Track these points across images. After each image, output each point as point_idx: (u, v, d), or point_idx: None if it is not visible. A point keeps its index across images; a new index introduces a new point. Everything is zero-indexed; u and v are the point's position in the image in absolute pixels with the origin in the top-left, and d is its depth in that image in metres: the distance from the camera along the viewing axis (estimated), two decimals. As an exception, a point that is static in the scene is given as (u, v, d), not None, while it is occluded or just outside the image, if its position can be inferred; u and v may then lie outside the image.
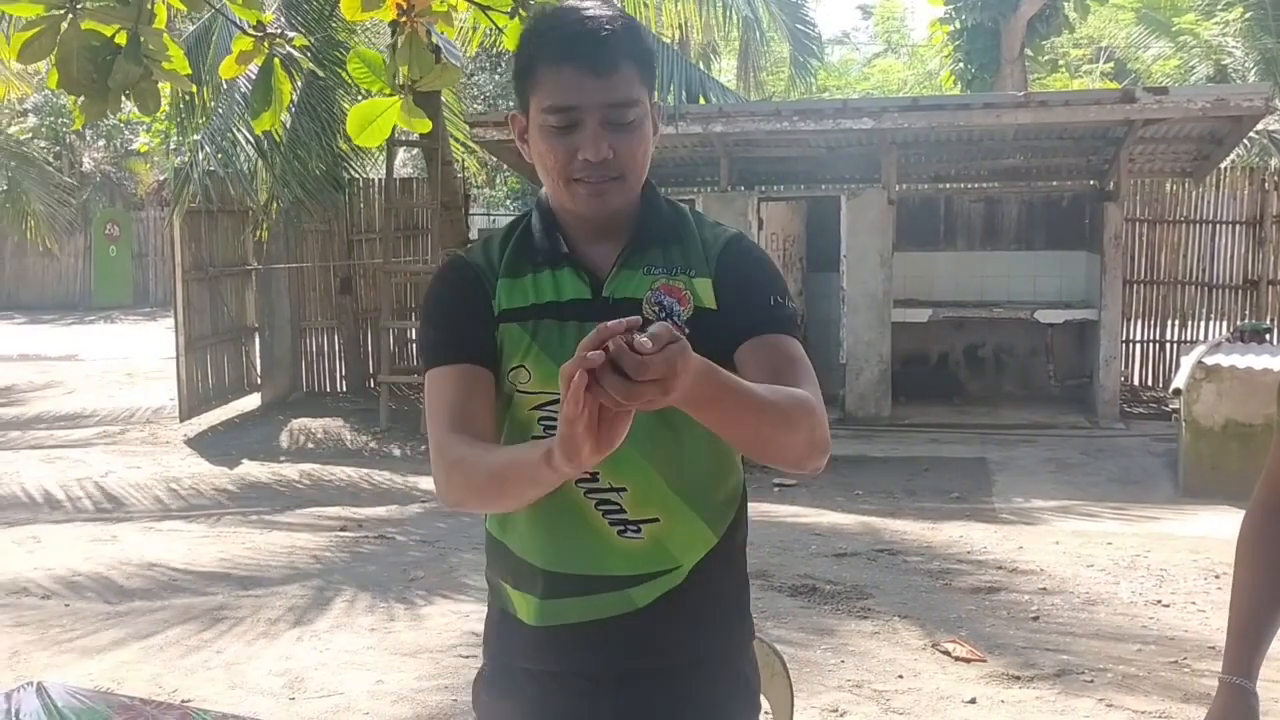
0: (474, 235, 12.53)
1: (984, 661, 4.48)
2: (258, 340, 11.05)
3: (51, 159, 21.11)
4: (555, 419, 1.62)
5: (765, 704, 2.12)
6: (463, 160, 12.27)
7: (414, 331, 11.45)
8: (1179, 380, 7.29)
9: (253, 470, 8.41)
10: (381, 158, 11.21)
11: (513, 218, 1.83)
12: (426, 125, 3.35)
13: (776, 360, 1.64)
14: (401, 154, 19.82)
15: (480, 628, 4.96)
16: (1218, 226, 10.59)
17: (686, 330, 1.62)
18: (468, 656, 4.56)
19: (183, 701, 4.19)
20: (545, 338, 1.67)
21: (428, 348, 1.72)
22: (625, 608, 1.66)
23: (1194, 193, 10.69)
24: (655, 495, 1.66)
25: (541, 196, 1.75)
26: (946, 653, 4.57)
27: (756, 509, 6.92)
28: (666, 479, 1.67)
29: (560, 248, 1.71)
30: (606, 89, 1.61)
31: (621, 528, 1.66)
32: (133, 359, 14.57)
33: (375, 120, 3.14)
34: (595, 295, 1.68)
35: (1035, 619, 4.97)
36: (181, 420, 9.86)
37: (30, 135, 21.81)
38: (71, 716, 1.75)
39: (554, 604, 1.68)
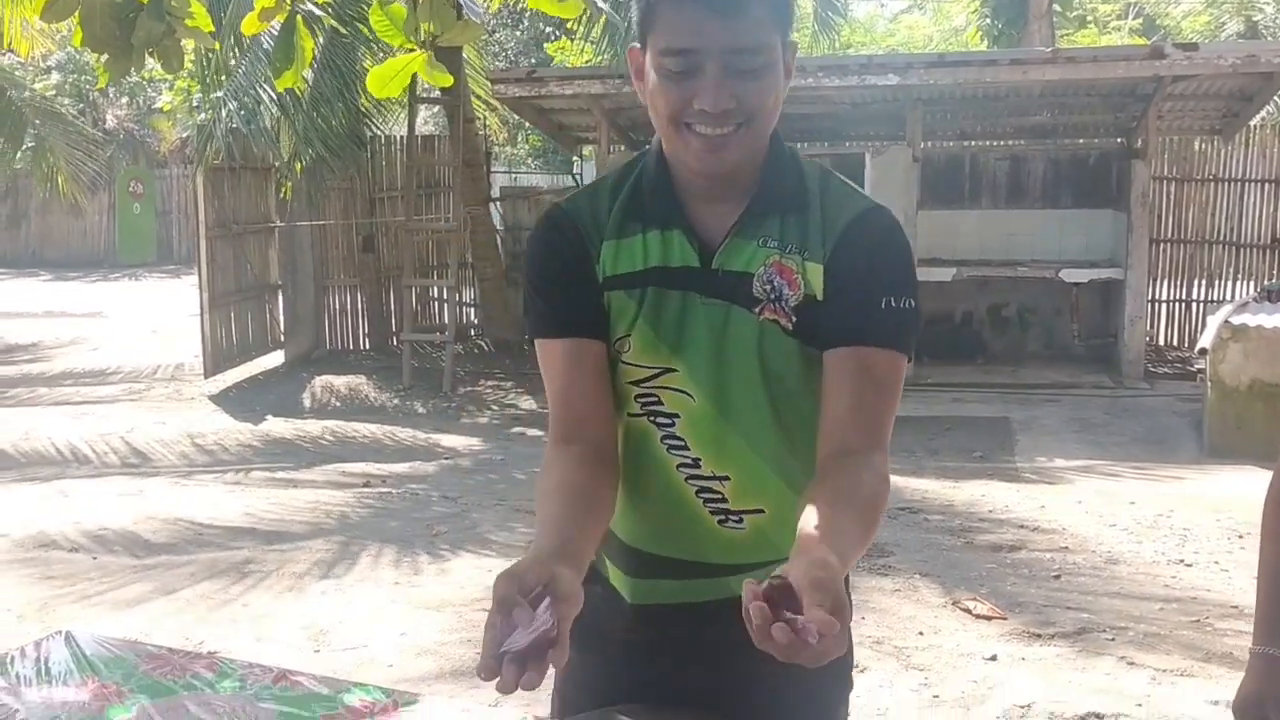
0: (495, 193, 12.53)
1: (1004, 619, 4.49)
2: (281, 298, 11.09)
3: (75, 116, 21.13)
4: (653, 397, 1.58)
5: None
6: (484, 118, 12.23)
7: (436, 290, 11.48)
8: (1205, 340, 7.23)
9: (277, 426, 8.47)
10: (403, 115, 11.19)
11: (624, 163, 1.64)
12: (448, 79, 3.34)
13: (864, 386, 1.49)
14: (424, 112, 19.79)
15: (503, 582, 4.86)
16: (1246, 185, 10.48)
17: (793, 319, 1.52)
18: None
19: (210, 653, 4.24)
20: (650, 307, 1.55)
21: (533, 316, 1.62)
22: (722, 594, 1.58)
23: (1223, 151, 10.57)
24: (761, 486, 1.58)
25: (655, 145, 1.58)
26: (967, 610, 4.58)
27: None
28: (776, 470, 1.57)
29: (672, 208, 1.56)
30: (732, 32, 1.43)
31: (722, 517, 1.58)
32: (157, 316, 14.66)
33: (396, 76, 3.14)
34: (705, 264, 1.54)
35: (1056, 577, 4.97)
36: (206, 377, 9.93)
37: (54, 93, 21.85)
38: (100, 665, 1.78)
39: (648, 584, 1.63)
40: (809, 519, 1.34)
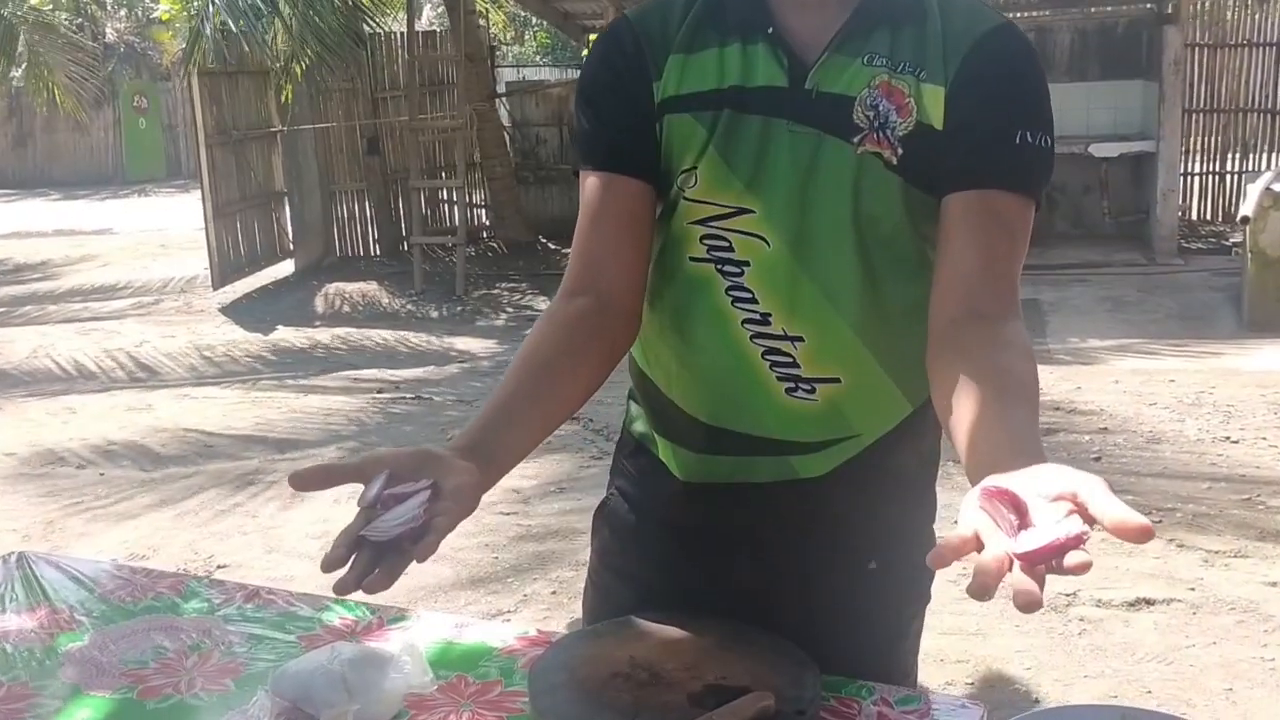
0: (501, 89, 12.16)
1: (1044, 505, 4.29)
2: (287, 205, 10.83)
3: (73, 31, 20.69)
4: (722, 241, 1.30)
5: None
6: (487, 11, 11.82)
7: (445, 191, 11.20)
8: (1246, 208, 6.91)
9: (288, 336, 8.28)
10: (402, 10, 10.81)
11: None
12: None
13: (995, 237, 1.23)
14: (428, 11, 19.29)
15: (521, 484, 4.78)
16: (1284, 49, 10.02)
17: (899, 151, 1.25)
18: (508, 514, 4.43)
19: (218, 567, 4.10)
20: (724, 134, 1.29)
21: (574, 139, 1.41)
22: (783, 475, 1.37)
23: (1258, 14, 10.09)
24: (840, 350, 1.32)
25: None
26: (1005, 497, 4.38)
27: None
28: (857, 330, 1.31)
29: (758, 14, 1.30)
30: None
31: (791, 385, 1.33)
32: (166, 231, 14.43)
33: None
34: (794, 84, 1.28)
35: (1097, 459, 4.76)
36: (214, 288, 9.73)
37: (50, 6, 21.36)
38: (51, 589, 1.59)
39: (701, 458, 1.41)
40: (981, 414, 1.06)
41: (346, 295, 9.61)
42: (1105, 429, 5.15)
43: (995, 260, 1.23)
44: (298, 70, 9.57)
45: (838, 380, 1.33)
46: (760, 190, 1.29)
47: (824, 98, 1.27)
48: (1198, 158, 10.22)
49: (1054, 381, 5.97)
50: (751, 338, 1.33)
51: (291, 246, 10.82)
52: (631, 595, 1.45)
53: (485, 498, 4.10)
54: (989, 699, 2.99)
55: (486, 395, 5.86)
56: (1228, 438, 4.95)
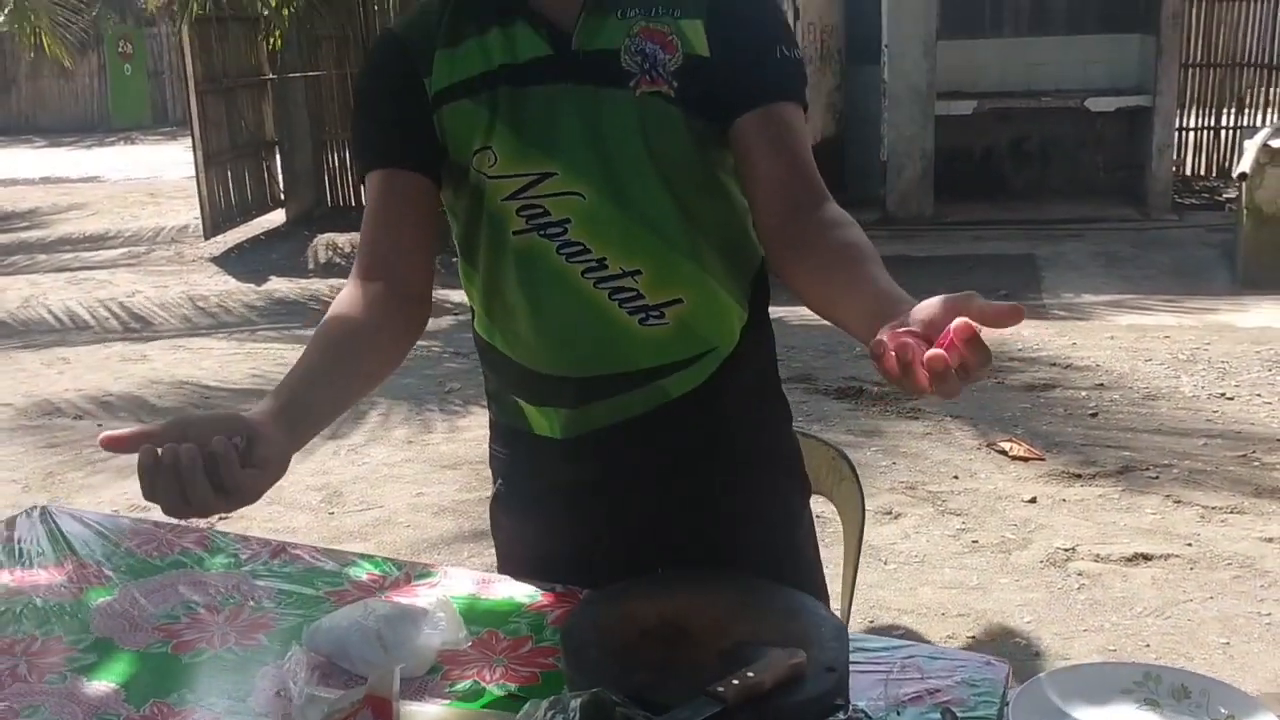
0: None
1: (1042, 460, 4.33)
2: (279, 154, 10.74)
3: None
4: (537, 208, 1.40)
5: (831, 506, 1.96)
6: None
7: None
8: (1244, 164, 6.91)
9: (281, 286, 8.25)
10: (394, -44, 10.67)
11: None
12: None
13: (793, 142, 1.38)
14: (416, -43, 19.03)
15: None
16: (1281, 2, 9.96)
17: (675, 84, 1.37)
18: (508, 467, 4.45)
19: (219, 519, 4.11)
20: (507, 110, 1.39)
21: (354, 145, 1.51)
22: (658, 400, 1.46)
23: (1256, -33, 10.03)
24: (675, 273, 1.43)
25: None
26: (1003, 452, 4.42)
27: (796, 312, 6.63)
28: (686, 254, 1.43)
29: None
30: None
31: (643, 315, 1.43)
32: (155, 179, 14.33)
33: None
34: (560, 51, 1.38)
35: (1093, 415, 4.79)
36: (206, 238, 9.67)
37: (33, -50, 21.03)
38: (78, 544, 1.59)
39: (580, 412, 1.48)
40: (848, 287, 1.23)
41: (339, 246, 9.56)
42: (1101, 385, 5.18)
43: (799, 162, 1.38)
44: (286, 15, 9.46)
45: (680, 300, 1.44)
46: (556, 151, 1.38)
47: (591, 56, 1.38)
48: (1193, 112, 10.19)
49: (1050, 337, 5.99)
50: (595, 284, 1.42)
51: (283, 196, 10.74)
52: (541, 568, 1.52)
53: (484, 451, 4.09)
54: (991, 653, 3.03)
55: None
56: (1223, 394, 4.98)
